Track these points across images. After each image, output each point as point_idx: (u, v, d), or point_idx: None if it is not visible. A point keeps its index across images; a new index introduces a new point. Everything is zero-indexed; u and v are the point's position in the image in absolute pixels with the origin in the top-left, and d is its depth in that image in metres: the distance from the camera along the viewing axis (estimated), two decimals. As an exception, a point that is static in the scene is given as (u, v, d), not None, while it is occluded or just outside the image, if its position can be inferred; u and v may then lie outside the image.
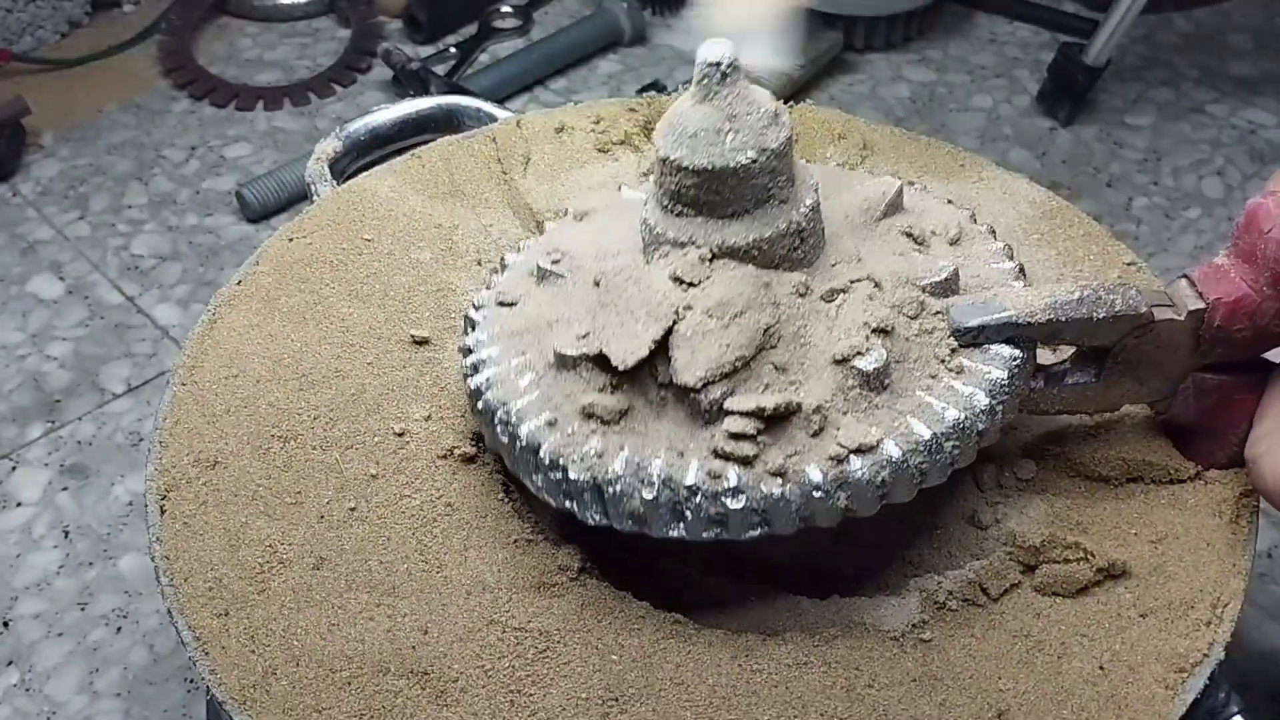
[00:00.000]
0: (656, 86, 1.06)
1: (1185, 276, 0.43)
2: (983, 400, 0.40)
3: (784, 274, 0.42)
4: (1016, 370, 0.41)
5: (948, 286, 0.43)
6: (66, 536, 0.73)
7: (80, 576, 0.70)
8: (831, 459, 0.39)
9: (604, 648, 0.41)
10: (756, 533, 0.39)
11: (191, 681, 0.65)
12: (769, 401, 0.39)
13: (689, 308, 0.40)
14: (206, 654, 0.40)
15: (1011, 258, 0.46)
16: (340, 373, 0.49)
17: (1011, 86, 1.08)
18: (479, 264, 0.54)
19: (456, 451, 0.46)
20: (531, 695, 0.39)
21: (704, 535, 0.39)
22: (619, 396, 0.41)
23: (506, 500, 0.45)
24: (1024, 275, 0.45)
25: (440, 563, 0.43)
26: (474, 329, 0.46)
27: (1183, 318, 0.42)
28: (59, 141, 1.03)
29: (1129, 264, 0.53)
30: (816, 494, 0.39)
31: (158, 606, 0.68)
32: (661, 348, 0.40)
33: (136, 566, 0.71)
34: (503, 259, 0.49)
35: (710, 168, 0.40)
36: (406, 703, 0.39)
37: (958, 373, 0.41)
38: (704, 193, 0.41)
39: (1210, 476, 0.46)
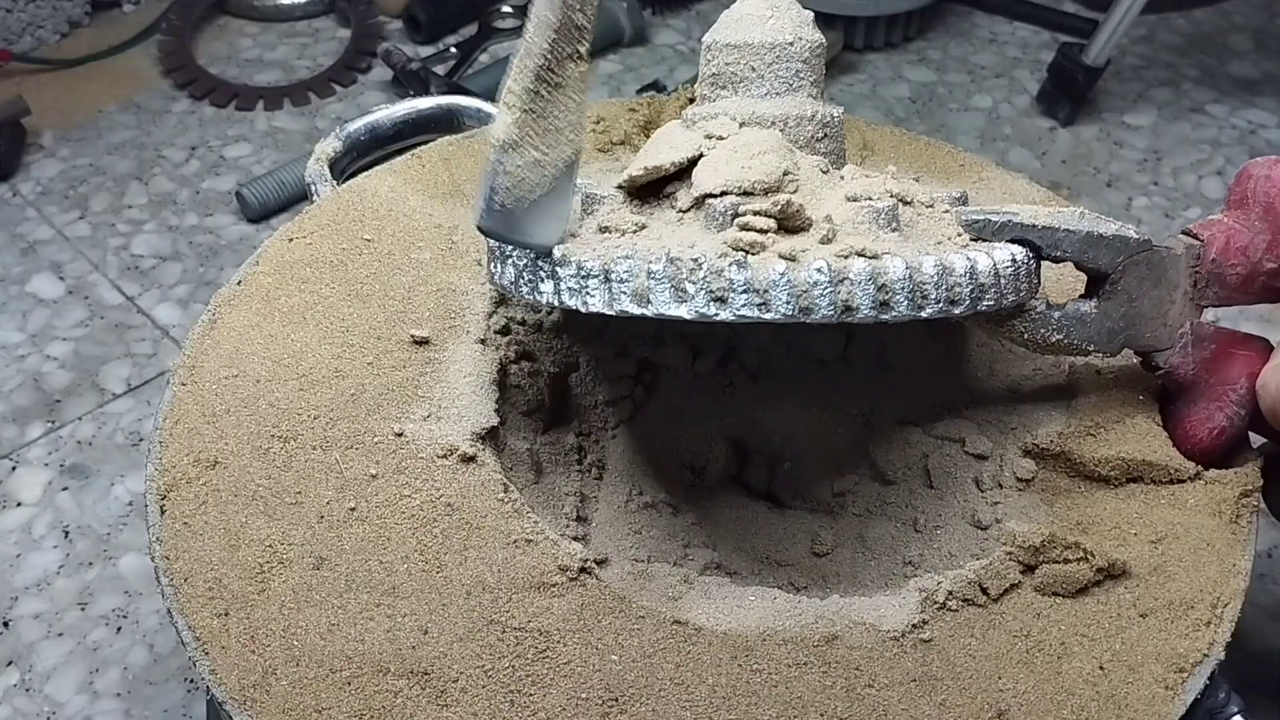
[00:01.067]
0: (656, 86, 1.06)
1: (1184, 231, 0.46)
2: (987, 261, 0.41)
3: (807, 155, 0.44)
4: (1021, 260, 0.42)
5: (959, 203, 0.45)
6: (66, 536, 0.73)
7: (80, 576, 0.70)
8: (838, 255, 0.40)
9: (604, 648, 0.41)
10: (754, 314, 0.39)
11: (191, 681, 0.65)
12: (783, 197, 0.40)
13: (714, 149, 0.43)
14: (206, 654, 0.40)
15: None
16: (340, 373, 0.49)
17: (1011, 86, 1.08)
18: (479, 264, 0.54)
19: (456, 451, 0.46)
20: (531, 695, 0.39)
21: (701, 312, 0.39)
22: (637, 216, 0.43)
23: (506, 500, 0.45)
24: None
25: (440, 563, 0.43)
26: None
27: (1179, 251, 0.45)
28: (59, 141, 1.03)
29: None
30: (818, 276, 0.39)
31: (158, 606, 0.68)
32: (684, 180, 0.43)
33: (136, 566, 0.71)
34: None
35: (750, 41, 0.45)
36: (406, 703, 0.39)
37: (964, 247, 0.43)
38: (741, 68, 0.45)
39: (1210, 476, 0.46)
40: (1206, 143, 1.01)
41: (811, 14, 0.46)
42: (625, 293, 0.40)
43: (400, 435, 0.47)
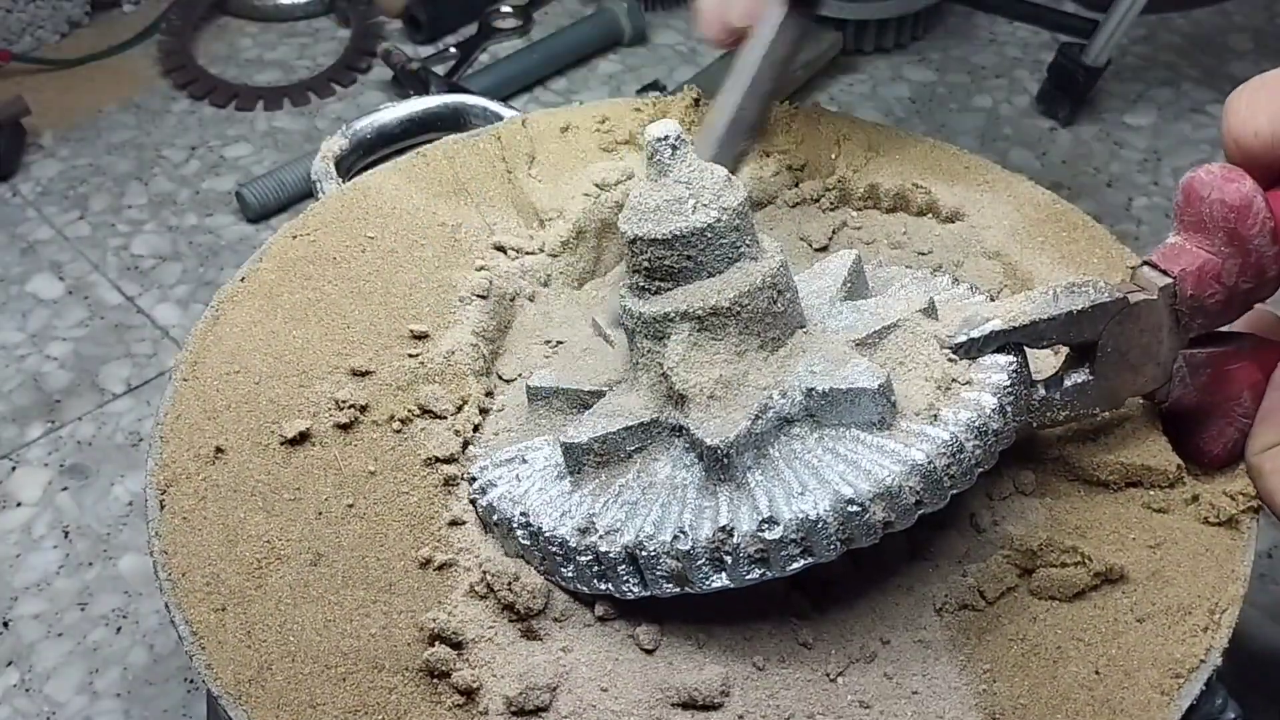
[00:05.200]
0: (657, 86, 1.06)
1: (1146, 262, 0.44)
2: (991, 401, 0.40)
3: (761, 356, 0.42)
4: (1015, 373, 0.42)
5: (926, 314, 0.44)
6: (66, 536, 0.73)
7: (80, 576, 0.70)
8: (866, 474, 0.38)
9: (603, 644, 0.41)
10: (799, 565, 0.38)
11: (191, 681, 0.65)
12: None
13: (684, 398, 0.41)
14: (203, 649, 0.40)
15: (980, 291, 0.48)
16: (341, 370, 0.49)
17: (1011, 86, 1.08)
18: (482, 261, 0.54)
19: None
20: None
21: (747, 578, 0.39)
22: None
23: (505, 498, 0.45)
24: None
25: (437, 560, 0.43)
26: (475, 462, 0.46)
27: (1155, 296, 0.43)
28: (59, 141, 1.03)
29: (1132, 267, 0.53)
30: (853, 509, 0.38)
31: (157, 606, 0.68)
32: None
33: (136, 566, 0.71)
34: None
35: (679, 233, 0.41)
36: (401, 699, 0.39)
37: (958, 381, 0.41)
38: (678, 260, 0.41)
39: (1210, 481, 0.45)
40: (1207, 143, 1.01)
41: (724, 171, 0.43)
42: (661, 576, 0.39)
43: (399, 433, 0.47)
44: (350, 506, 0.44)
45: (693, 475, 0.40)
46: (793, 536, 0.38)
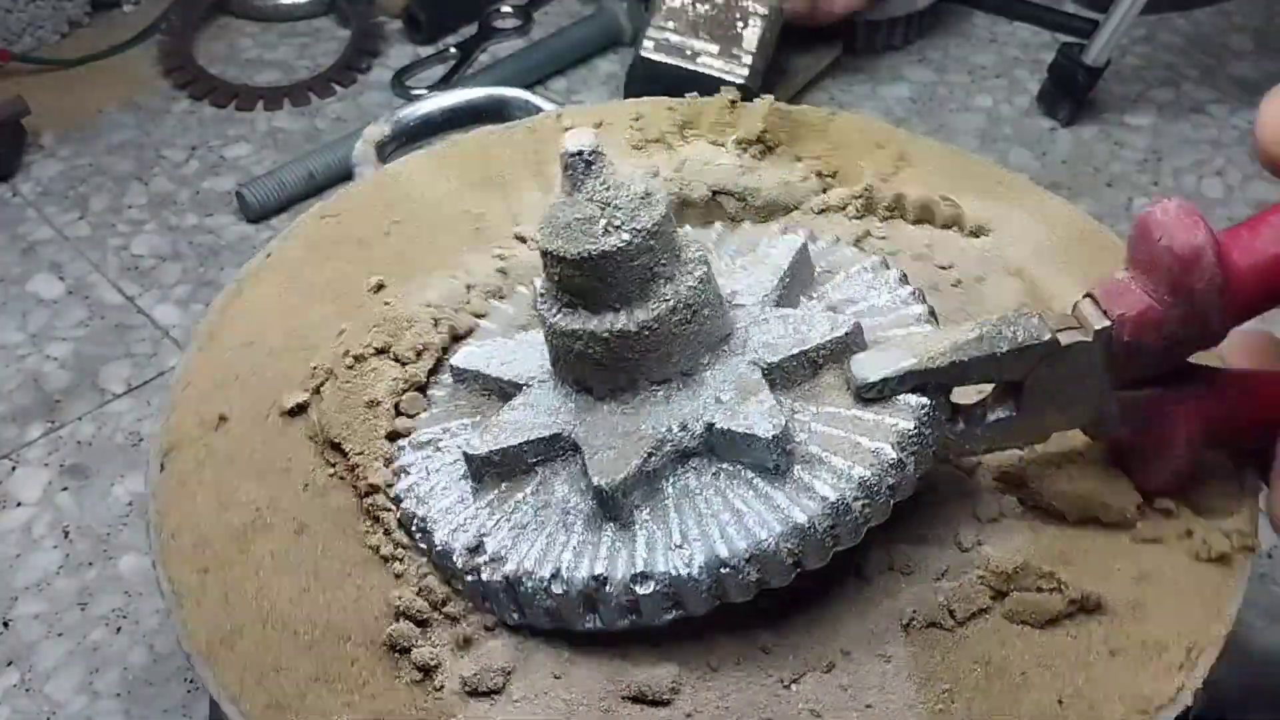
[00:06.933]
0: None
1: (1089, 295, 0.42)
2: (890, 454, 0.39)
3: (658, 408, 0.41)
4: (925, 418, 0.40)
5: (848, 342, 0.42)
6: (66, 536, 0.73)
7: (80, 576, 0.70)
8: (739, 523, 0.38)
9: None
10: (670, 616, 0.39)
11: (191, 681, 0.65)
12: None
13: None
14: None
15: (922, 300, 0.45)
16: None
17: (1011, 86, 1.08)
18: (500, 249, 0.55)
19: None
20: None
21: (619, 624, 0.39)
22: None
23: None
24: (934, 318, 0.44)
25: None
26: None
27: (1090, 339, 0.41)
28: (59, 141, 1.03)
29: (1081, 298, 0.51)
30: (725, 570, 0.38)
31: (157, 607, 0.68)
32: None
33: (136, 566, 0.71)
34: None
35: (587, 255, 0.39)
36: (361, 670, 0.40)
37: (862, 425, 0.40)
38: (587, 280, 0.40)
39: (1206, 517, 0.43)
40: (1206, 143, 1.01)
41: (643, 187, 0.40)
42: (539, 610, 0.39)
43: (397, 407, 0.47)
44: (341, 479, 0.45)
45: (585, 502, 0.40)
46: (664, 591, 0.38)
